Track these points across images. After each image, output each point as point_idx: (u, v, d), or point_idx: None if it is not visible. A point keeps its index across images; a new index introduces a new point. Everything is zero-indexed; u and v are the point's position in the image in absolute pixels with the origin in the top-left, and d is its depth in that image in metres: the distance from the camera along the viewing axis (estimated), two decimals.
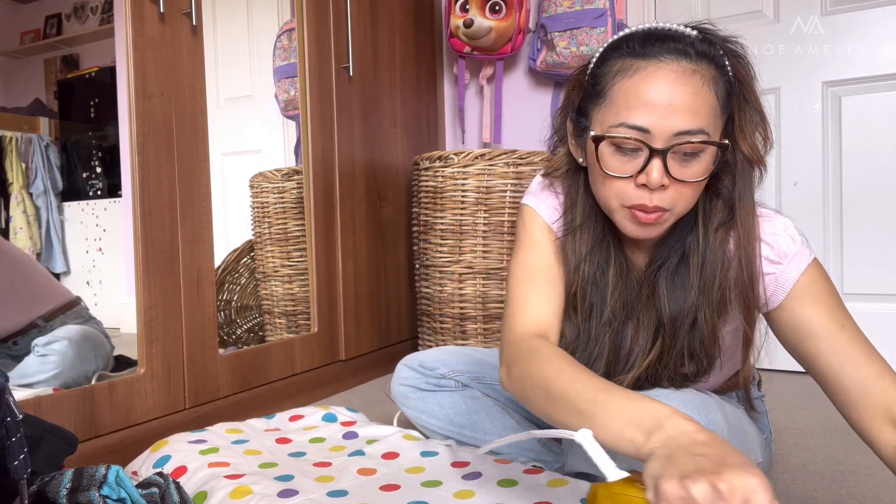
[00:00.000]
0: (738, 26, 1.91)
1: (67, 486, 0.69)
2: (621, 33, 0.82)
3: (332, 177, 1.75)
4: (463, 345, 1.80)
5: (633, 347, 0.91)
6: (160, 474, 0.79)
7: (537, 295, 0.87)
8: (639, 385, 0.90)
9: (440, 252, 1.83)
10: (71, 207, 1.58)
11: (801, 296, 0.82)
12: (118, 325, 1.46)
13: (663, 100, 0.75)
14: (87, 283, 1.52)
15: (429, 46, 2.28)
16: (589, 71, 0.84)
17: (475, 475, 0.98)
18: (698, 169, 0.78)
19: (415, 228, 1.93)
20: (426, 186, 1.86)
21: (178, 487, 0.79)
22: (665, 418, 0.61)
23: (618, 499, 0.61)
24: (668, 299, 0.85)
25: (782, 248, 0.83)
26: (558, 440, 1.12)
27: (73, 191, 1.53)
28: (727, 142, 0.79)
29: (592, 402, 0.67)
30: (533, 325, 0.85)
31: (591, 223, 0.89)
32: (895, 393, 0.75)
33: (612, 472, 0.62)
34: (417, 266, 1.92)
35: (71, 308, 1.43)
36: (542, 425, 1.22)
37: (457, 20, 2.08)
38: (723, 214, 0.84)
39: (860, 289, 1.79)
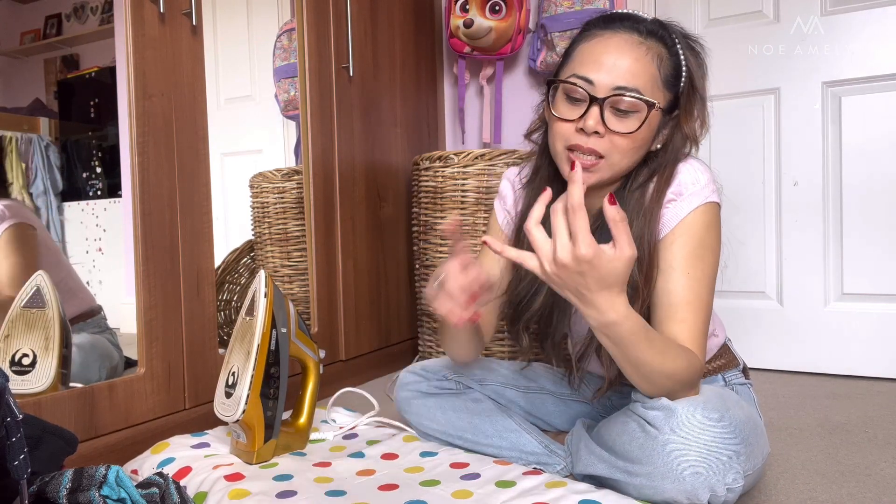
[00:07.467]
0: (738, 26, 1.91)
1: (67, 486, 0.70)
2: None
3: (332, 177, 1.75)
4: None
5: None
6: (160, 474, 0.79)
7: None
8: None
9: (440, 252, 1.83)
10: (71, 207, 1.57)
11: (680, 232, 0.91)
12: (118, 325, 1.46)
13: (609, 60, 0.89)
14: (87, 283, 1.52)
15: (429, 46, 2.28)
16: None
17: (473, 476, 0.98)
18: (631, 125, 0.89)
19: (415, 229, 1.93)
20: (426, 186, 1.86)
21: (178, 487, 0.79)
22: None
23: None
24: None
25: (683, 182, 0.92)
26: (561, 441, 1.12)
27: (73, 191, 1.53)
28: (655, 102, 0.89)
29: None
30: None
31: (545, 178, 1.03)
32: (675, 330, 0.87)
33: None
34: (417, 266, 1.92)
35: (91, 316, 1.41)
36: (542, 427, 1.22)
37: (457, 20, 2.08)
38: (644, 178, 0.95)
39: (860, 289, 1.79)
